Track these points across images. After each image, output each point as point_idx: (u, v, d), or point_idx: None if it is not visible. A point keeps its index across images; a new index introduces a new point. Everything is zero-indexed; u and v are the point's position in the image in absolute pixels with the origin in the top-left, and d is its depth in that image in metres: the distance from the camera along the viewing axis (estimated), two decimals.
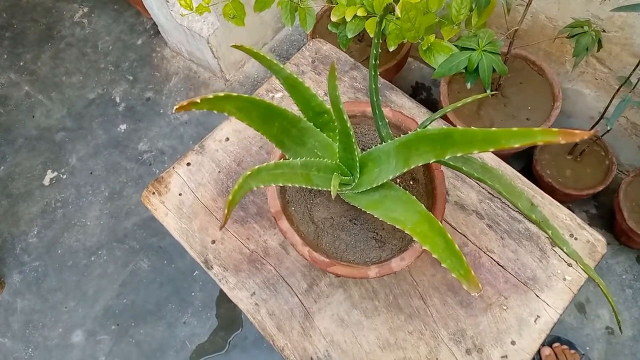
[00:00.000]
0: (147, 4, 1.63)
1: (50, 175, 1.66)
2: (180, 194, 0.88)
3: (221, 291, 1.44)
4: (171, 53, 1.84)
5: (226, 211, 0.38)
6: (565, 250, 0.42)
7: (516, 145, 0.37)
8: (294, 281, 0.79)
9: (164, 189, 0.89)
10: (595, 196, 1.39)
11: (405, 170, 0.51)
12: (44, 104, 1.79)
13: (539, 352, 1.23)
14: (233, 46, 0.49)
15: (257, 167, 0.44)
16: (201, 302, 1.43)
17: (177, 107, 0.39)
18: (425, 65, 1.67)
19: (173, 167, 0.91)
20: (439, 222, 0.51)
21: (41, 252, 1.54)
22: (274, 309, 0.78)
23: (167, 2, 1.52)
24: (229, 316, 1.41)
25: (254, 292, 0.79)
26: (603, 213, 1.39)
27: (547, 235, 0.45)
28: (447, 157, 0.43)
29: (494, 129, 0.39)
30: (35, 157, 1.70)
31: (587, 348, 1.25)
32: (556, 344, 1.22)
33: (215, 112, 0.44)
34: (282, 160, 0.53)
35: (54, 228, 1.57)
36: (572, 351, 1.21)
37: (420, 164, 0.48)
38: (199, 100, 0.41)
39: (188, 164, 0.91)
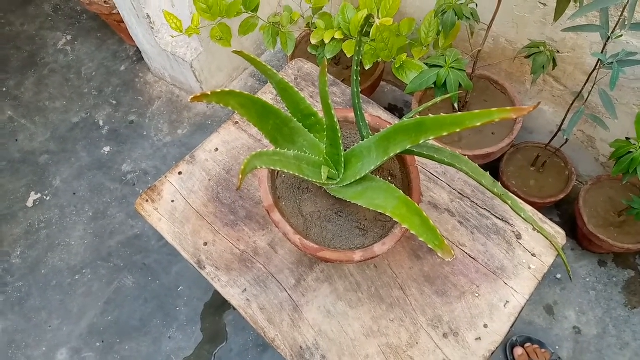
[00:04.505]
0: (132, 31, 1.71)
1: (33, 197, 1.68)
2: (172, 201, 0.94)
3: (205, 305, 1.48)
4: (154, 78, 1.91)
5: (240, 177, 0.45)
6: (522, 215, 0.50)
7: (478, 124, 0.44)
8: (283, 277, 0.85)
9: (157, 196, 0.95)
10: (557, 205, 1.49)
11: (385, 159, 0.58)
12: (27, 128, 1.82)
13: (512, 352, 1.30)
14: (234, 52, 0.56)
15: (259, 150, 0.51)
16: (186, 317, 1.46)
17: (191, 97, 0.46)
18: (398, 88, 1.77)
19: (165, 176, 0.96)
20: (416, 204, 0.58)
21: (24, 273, 1.55)
22: (264, 304, 0.83)
23: (152, 29, 1.59)
24: (214, 330, 1.44)
25: (245, 289, 0.84)
26: (566, 221, 1.49)
27: (507, 204, 0.52)
28: (421, 141, 0.51)
29: (459, 113, 0.46)
30: (18, 179, 1.72)
31: (557, 347, 1.32)
32: (528, 344, 1.30)
33: (216, 111, 0.51)
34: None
35: (37, 248, 1.59)
36: (543, 350, 1.28)
37: (398, 152, 0.56)
38: (209, 93, 0.47)
39: (180, 173, 0.97)
